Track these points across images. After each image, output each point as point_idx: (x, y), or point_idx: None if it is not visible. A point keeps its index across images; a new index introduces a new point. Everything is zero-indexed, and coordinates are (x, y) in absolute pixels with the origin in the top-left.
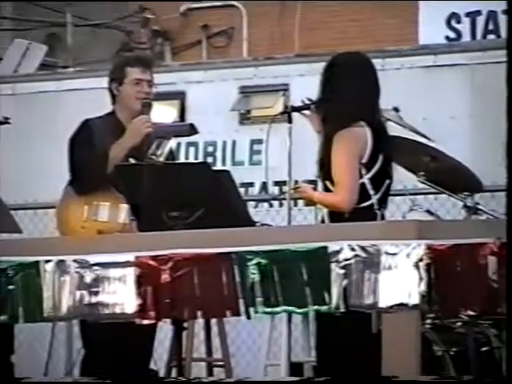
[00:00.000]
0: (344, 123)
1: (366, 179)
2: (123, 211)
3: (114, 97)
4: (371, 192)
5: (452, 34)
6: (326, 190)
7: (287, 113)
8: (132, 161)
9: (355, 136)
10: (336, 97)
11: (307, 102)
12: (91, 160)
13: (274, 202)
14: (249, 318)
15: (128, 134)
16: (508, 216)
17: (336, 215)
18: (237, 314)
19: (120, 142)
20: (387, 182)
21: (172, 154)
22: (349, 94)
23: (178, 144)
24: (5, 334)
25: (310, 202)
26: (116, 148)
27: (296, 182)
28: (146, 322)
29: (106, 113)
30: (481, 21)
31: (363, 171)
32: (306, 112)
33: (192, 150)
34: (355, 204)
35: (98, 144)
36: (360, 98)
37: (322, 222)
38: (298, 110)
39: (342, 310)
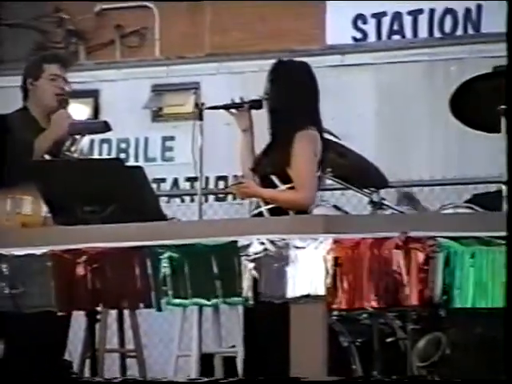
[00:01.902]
0: (302, 126)
1: None
2: (44, 205)
3: (26, 93)
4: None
5: (358, 35)
6: (272, 185)
7: (216, 108)
8: (47, 157)
9: (315, 138)
10: (290, 100)
11: (238, 101)
12: (16, 150)
13: (185, 197)
14: (160, 310)
15: (53, 126)
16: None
17: (279, 213)
18: (149, 306)
19: (45, 135)
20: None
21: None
22: (302, 99)
23: (92, 141)
24: None
25: (247, 197)
26: (41, 140)
27: (235, 176)
28: (61, 313)
29: (17, 109)
30: (386, 21)
31: None
32: (233, 110)
33: (105, 146)
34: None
35: (22, 135)
36: (311, 105)
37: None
38: (229, 107)
39: (252, 302)
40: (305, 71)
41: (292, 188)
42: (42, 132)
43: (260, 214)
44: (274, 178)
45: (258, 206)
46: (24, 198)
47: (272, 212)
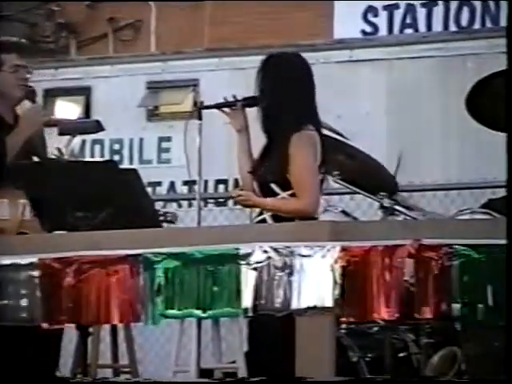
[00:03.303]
0: (298, 126)
1: None
2: (24, 207)
3: None
4: None
5: (368, 28)
6: (272, 193)
7: (210, 108)
8: (35, 159)
9: (313, 140)
10: (283, 98)
11: (231, 100)
12: None
13: (182, 201)
14: (155, 323)
15: (23, 123)
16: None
17: (283, 219)
18: (143, 318)
19: (16, 132)
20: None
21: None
22: (296, 95)
23: (83, 141)
24: None
25: (248, 207)
26: (12, 138)
27: (236, 181)
28: (48, 326)
29: None
30: (399, 14)
31: None
32: (226, 109)
33: (98, 147)
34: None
35: None
36: (307, 101)
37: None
38: (221, 106)
39: (251, 313)
40: (298, 64)
41: (293, 195)
42: (8, 128)
43: (263, 221)
44: (273, 186)
45: (261, 213)
46: (0, 202)
47: (276, 218)
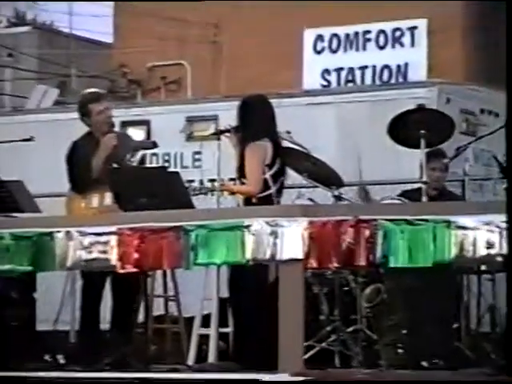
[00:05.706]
0: (252, 140)
1: (268, 175)
2: (107, 198)
3: (87, 123)
4: (271, 184)
5: (325, 83)
6: (243, 183)
7: (217, 134)
8: (115, 165)
9: (259, 147)
10: (249, 123)
11: (228, 127)
12: (80, 172)
13: (208, 192)
14: (190, 268)
15: (101, 148)
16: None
17: (248, 201)
18: (183, 265)
19: (97, 155)
20: (282, 178)
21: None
22: (257, 121)
23: (145, 154)
24: (30, 277)
25: (231, 193)
26: (96, 159)
27: (222, 179)
28: (123, 271)
29: (87, 132)
30: (344, 74)
31: (266, 170)
32: (227, 134)
33: (154, 158)
34: (261, 192)
35: (85, 157)
36: (264, 124)
37: (238, 205)
38: (222, 132)
39: (252, 262)
40: (257, 101)
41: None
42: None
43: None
44: (237, 176)
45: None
46: (92, 196)
47: (245, 202)
